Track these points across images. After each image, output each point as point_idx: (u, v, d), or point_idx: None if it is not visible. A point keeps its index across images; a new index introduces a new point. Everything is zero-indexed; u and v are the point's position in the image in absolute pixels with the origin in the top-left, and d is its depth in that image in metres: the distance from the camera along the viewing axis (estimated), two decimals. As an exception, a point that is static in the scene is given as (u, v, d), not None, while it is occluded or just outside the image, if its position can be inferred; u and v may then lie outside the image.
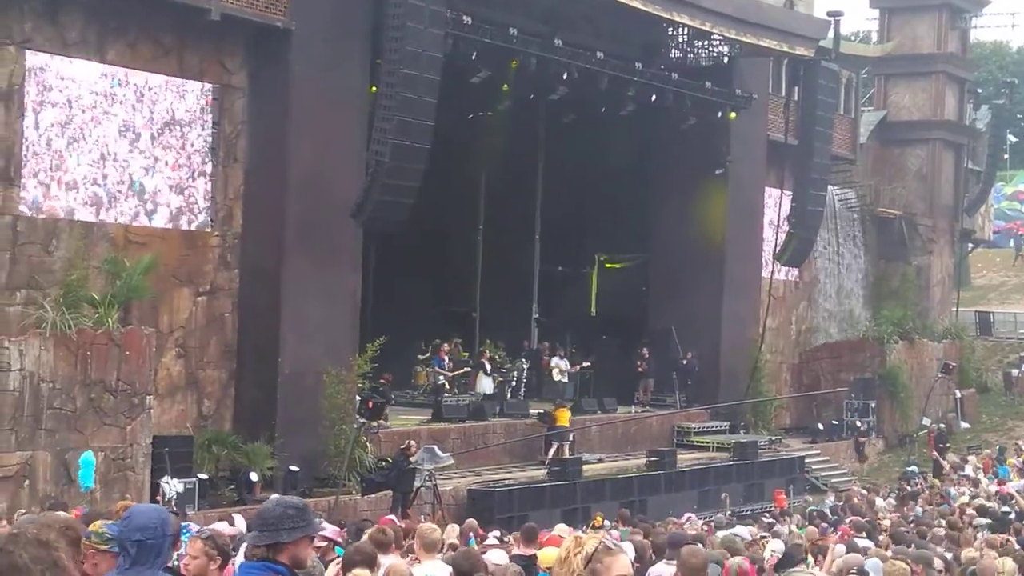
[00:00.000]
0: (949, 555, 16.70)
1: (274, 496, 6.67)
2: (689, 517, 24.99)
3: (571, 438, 33.01)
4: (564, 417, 32.97)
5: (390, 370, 32.06)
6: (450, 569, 9.83)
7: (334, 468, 26.97)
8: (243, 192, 27.95)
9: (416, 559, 11.53)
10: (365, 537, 11.71)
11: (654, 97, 35.95)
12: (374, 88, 28.05)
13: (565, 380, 37.51)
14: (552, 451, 32.46)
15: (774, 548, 17.35)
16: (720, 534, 20.67)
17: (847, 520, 25.07)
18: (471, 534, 16.82)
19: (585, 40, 34.78)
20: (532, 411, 35.11)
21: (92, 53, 25.28)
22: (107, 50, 25.55)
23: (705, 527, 24.71)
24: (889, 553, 15.84)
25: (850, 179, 50.56)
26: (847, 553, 15.31)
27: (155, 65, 26.46)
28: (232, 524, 13.28)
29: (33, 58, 24.32)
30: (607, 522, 24.39)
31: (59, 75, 24.80)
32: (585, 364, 38.68)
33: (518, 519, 25.23)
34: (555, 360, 38.11)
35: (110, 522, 6.97)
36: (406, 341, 34.64)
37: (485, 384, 35.07)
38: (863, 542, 19.91)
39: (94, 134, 25.40)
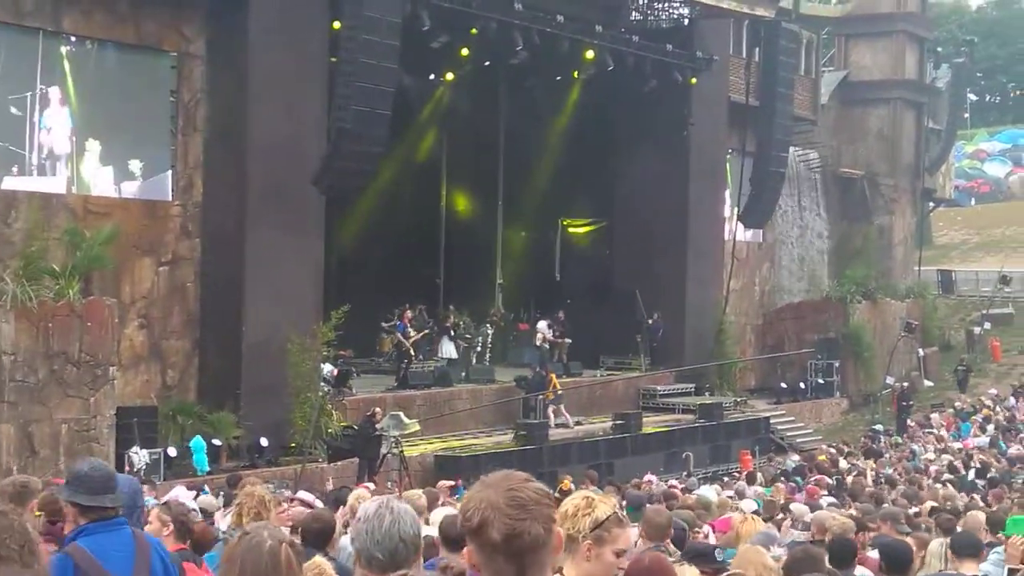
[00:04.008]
0: (911, 510, 16.87)
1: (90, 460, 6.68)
2: (650, 479, 25.06)
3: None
4: (555, 381, 33.41)
5: (355, 337, 32.02)
6: (435, 534, 9.78)
7: (300, 436, 26.92)
8: (203, 161, 27.77)
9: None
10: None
11: (611, 67, 35.83)
12: (335, 59, 27.89)
13: (546, 347, 37.25)
14: (564, 417, 33.14)
15: (746, 508, 17.48)
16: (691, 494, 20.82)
17: (812, 479, 25.28)
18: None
19: (545, 3, 34.60)
20: (498, 377, 35.20)
21: (47, 22, 25.05)
22: (62, 18, 25.31)
23: (680, 486, 24.89)
24: (854, 511, 15.98)
25: (811, 140, 50.63)
26: (812, 512, 15.43)
27: (111, 33, 26.24)
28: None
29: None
30: (573, 486, 24.43)
31: (15, 45, 24.63)
32: (568, 340, 38.44)
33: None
34: (541, 324, 37.82)
35: None
36: (370, 308, 34.57)
37: (449, 349, 35.06)
38: (827, 500, 20.11)
39: (52, 105, 25.23)
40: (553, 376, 33.59)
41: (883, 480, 25.67)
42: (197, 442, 24.65)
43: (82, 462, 6.60)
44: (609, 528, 4.59)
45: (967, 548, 9.85)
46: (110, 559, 5.95)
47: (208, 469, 24.29)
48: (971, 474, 28.61)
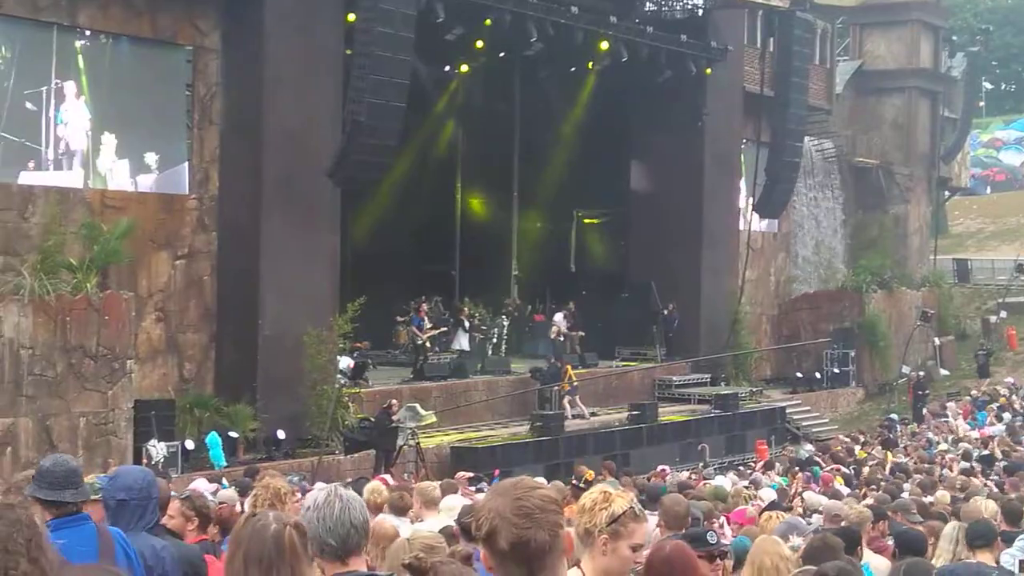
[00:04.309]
0: (926, 499, 16.87)
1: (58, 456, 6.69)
2: (664, 469, 25.06)
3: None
4: (571, 372, 33.52)
5: (371, 330, 32.08)
6: (451, 524, 9.83)
7: (317, 428, 27.00)
8: (219, 154, 27.84)
9: (416, 517, 11.54)
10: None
11: (625, 58, 35.86)
12: (350, 51, 27.94)
13: (561, 340, 37.01)
14: (579, 408, 33.23)
15: (765, 496, 17.51)
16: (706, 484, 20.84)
17: (827, 468, 25.27)
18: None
19: (559, -6, 34.65)
20: (514, 368, 35.21)
21: (63, 16, 25.12)
22: (78, 13, 25.38)
23: (694, 476, 24.95)
24: (870, 500, 16.00)
25: (827, 129, 50.51)
26: (828, 500, 15.45)
27: (127, 27, 26.31)
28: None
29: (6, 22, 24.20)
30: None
31: (29, 40, 24.73)
32: (581, 334, 38.23)
33: (501, 476, 25.31)
34: (557, 316, 37.54)
35: (104, 474, 7.02)
36: (386, 300, 34.64)
37: (463, 341, 35.05)
38: (844, 489, 20.13)
39: (67, 99, 25.32)
40: (569, 367, 33.61)
41: (899, 469, 25.65)
42: (212, 438, 24.70)
43: (47, 458, 6.64)
44: (625, 523, 4.63)
45: (980, 538, 9.79)
46: (74, 554, 5.96)
47: (225, 463, 24.34)
48: (986, 463, 28.53)
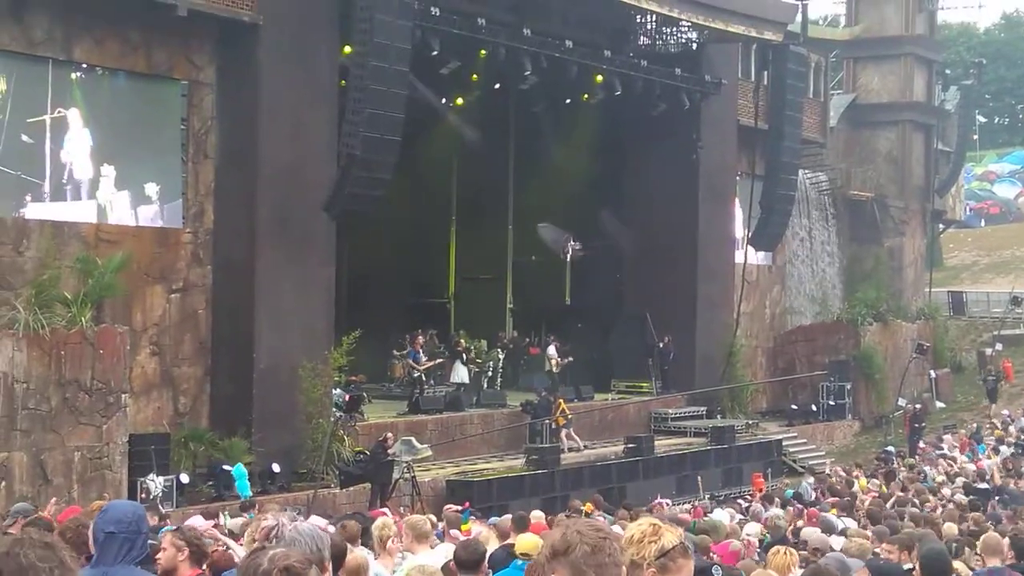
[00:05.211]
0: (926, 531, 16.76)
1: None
2: (661, 502, 24.98)
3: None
4: (564, 406, 33.51)
5: (366, 363, 32.03)
6: (443, 558, 9.79)
7: (312, 462, 26.91)
8: (214, 188, 27.84)
9: (407, 550, 11.49)
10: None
11: (619, 91, 35.95)
12: (343, 82, 28.02)
13: (555, 371, 36.94)
14: (574, 441, 33.43)
15: (750, 531, 17.43)
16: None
17: (824, 501, 25.21)
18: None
19: (553, 29, 34.77)
20: (509, 401, 35.14)
21: (59, 51, 25.15)
22: (73, 48, 25.42)
23: (692, 510, 24.86)
24: (869, 533, 15.94)
25: (821, 162, 50.63)
26: (820, 533, 15.41)
27: (123, 62, 26.34)
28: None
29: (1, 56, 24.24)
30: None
31: (25, 74, 24.74)
32: (569, 359, 38.24)
33: (497, 509, 25.22)
34: (551, 350, 37.49)
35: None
36: (381, 333, 34.61)
37: (461, 374, 34.97)
38: (842, 522, 20.06)
39: (71, 130, 25.32)
40: (561, 401, 33.53)
41: (899, 503, 25.58)
42: (239, 469, 24.53)
43: None
44: (675, 558, 4.59)
45: (940, 573, 9.51)
46: None
47: (250, 494, 23.94)
48: (981, 495, 28.48)
